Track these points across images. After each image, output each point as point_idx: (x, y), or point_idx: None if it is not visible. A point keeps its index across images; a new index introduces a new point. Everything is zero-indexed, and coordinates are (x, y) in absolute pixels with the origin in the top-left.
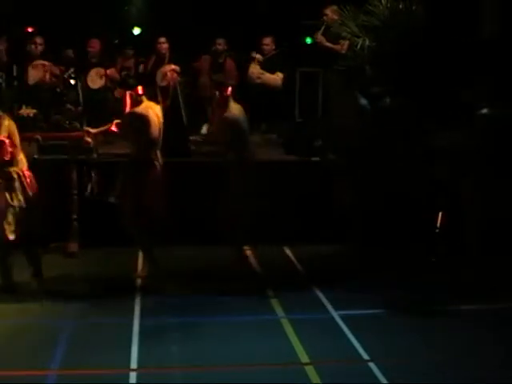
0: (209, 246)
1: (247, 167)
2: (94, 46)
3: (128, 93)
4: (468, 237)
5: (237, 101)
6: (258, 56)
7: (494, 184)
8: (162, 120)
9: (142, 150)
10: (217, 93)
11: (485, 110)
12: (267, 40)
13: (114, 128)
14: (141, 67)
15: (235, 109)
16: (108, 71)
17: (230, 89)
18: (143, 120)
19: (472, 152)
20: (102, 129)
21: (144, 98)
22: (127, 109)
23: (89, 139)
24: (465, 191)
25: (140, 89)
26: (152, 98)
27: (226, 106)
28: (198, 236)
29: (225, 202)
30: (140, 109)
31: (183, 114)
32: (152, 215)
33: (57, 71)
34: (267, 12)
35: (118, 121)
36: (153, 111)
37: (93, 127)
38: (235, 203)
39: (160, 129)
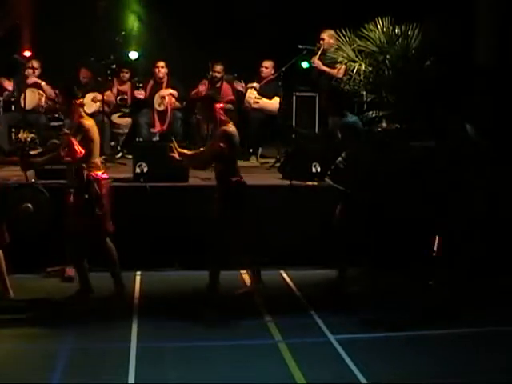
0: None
1: None
2: (85, 75)
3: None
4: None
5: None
6: (255, 84)
7: None
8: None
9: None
10: None
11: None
12: (267, 63)
13: None
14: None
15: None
16: (104, 95)
17: None
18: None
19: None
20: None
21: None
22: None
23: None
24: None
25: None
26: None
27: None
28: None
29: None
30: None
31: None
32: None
33: (53, 95)
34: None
35: None
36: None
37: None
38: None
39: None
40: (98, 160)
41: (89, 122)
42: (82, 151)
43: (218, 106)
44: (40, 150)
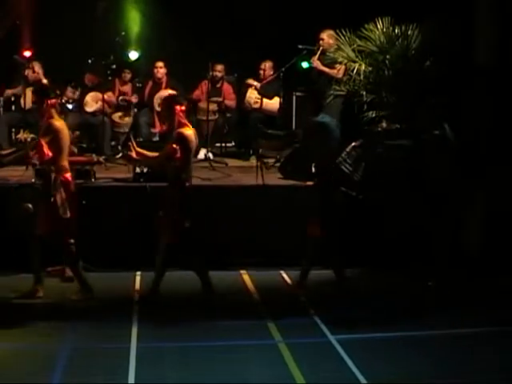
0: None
1: None
2: (91, 80)
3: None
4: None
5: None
6: (256, 83)
7: None
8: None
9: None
10: None
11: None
12: (266, 65)
13: None
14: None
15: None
16: (105, 95)
17: None
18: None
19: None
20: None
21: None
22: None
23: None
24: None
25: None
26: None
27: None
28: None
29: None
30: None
31: None
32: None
33: None
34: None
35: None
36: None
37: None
38: None
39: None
40: (66, 163)
41: (58, 124)
42: (50, 154)
43: (179, 108)
44: (12, 150)
